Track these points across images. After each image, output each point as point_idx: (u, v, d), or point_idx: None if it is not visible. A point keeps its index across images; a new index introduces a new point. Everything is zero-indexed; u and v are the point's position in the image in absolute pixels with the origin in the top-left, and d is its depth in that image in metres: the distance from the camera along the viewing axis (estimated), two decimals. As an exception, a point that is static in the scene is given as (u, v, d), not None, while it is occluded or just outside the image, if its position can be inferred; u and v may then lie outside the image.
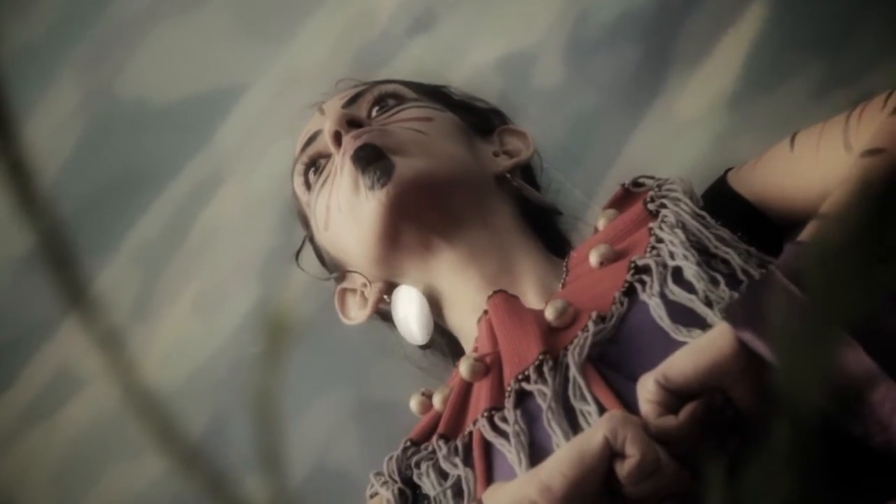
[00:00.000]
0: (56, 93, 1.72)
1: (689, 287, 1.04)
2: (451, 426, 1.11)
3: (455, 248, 1.24)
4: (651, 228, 1.13)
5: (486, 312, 1.14)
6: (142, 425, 0.46)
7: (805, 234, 0.99)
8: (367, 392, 1.57)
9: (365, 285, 1.30)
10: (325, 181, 1.29)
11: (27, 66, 1.72)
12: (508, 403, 1.05)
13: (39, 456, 1.63)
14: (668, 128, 1.59)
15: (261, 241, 1.63)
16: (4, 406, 1.64)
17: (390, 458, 1.13)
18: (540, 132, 1.42)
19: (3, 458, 1.64)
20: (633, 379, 0.93)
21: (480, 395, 1.09)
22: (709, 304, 1.01)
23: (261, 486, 0.48)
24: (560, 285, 1.19)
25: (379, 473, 1.13)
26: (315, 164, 1.32)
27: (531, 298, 1.19)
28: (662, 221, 1.13)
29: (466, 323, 1.22)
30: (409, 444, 1.13)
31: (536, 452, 1.00)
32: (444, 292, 1.25)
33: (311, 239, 1.37)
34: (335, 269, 1.34)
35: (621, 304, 1.06)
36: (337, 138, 1.26)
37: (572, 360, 1.02)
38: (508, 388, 1.06)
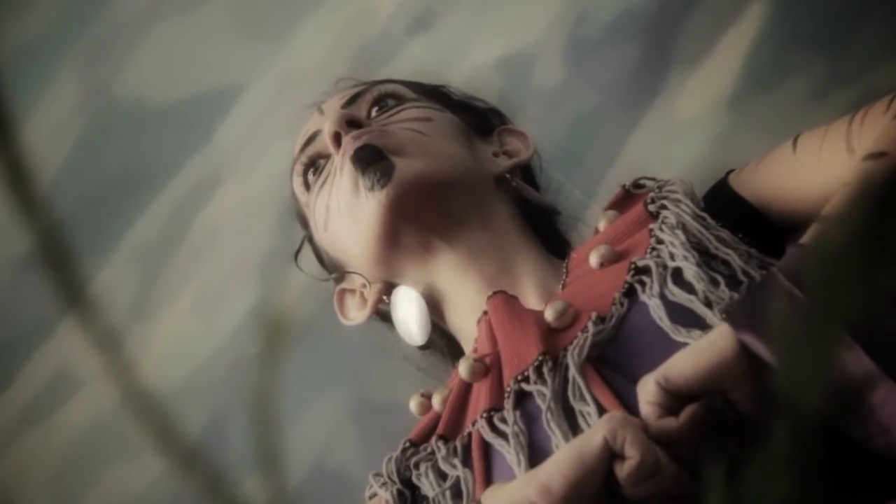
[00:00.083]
0: (55, 92, 1.72)
1: (689, 288, 1.04)
2: (451, 427, 1.10)
3: (455, 248, 1.23)
4: (651, 230, 1.13)
5: (485, 313, 1.14)
6: (140, 425, 0.46)
7: (807, 236, 0.99)
8: (366, 393, 1.57)
9: (364, 286, 1.30)
10: (324, 182, 1.29)
11: (26, 65, 1.72)
12: (508, 404, 1.05)
13: (38, 456, 1.62)
14: (668, 128, 1.59)
15: (260, 242, 1.63)
16: (3, 406, 1.64)
17: (389, 459, 1.13)
18: (539, 132, 1.42)
19: (1, 459, 1.64)
20: (633, 380, 0.93)
21: (480, 396, 1.09)
22: (709, 304, 1.01)
23: (260, 486, 0.48)
24: (560, 286, 1.19)
25: (378, 474, 1.13)
26: (314, 165, 1.32)
27: (531, 299, 1.19)
28: (663, 223, 1.12)
29: (466, 324, 1.22)
30: (408, 444, 1.13)
31: (536, 453, 0.99)
32: (443, 293, 1.25)
33: (311, 239, 1.37)
34: (334, 270, 1.34)
35: (621, 304, 1.06)
36: (336, 139, 1.26)
37: (572, 360, 1.02)
38: (508, 389, 1.06)
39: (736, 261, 1.06)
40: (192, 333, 1.64)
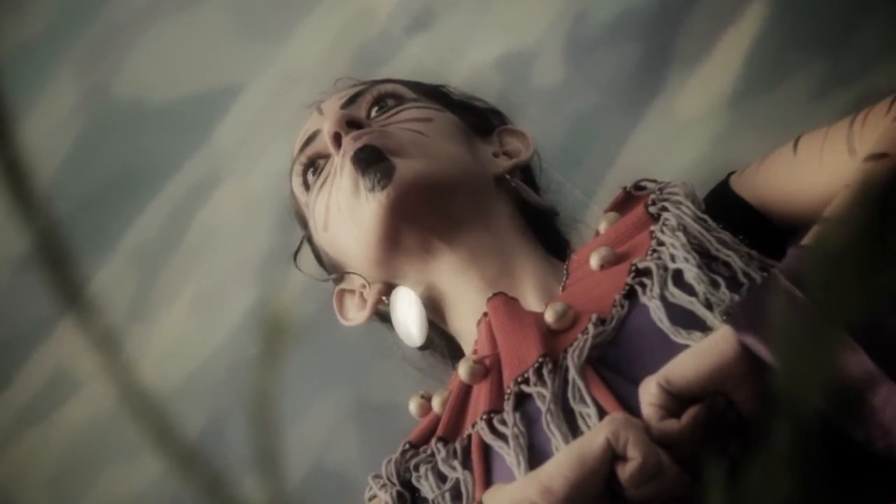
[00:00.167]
0: (53, 92, 1.72)
1: (689, 290, 1.03)
2: (450, 429, 1.10)
3: (455, 250, 1.23)
4: (652, 231, 1.13)
5: (485, 314, 1.14)
6: (139, 426, 0.46)
7: (808, 238, 0.99)
8: (365, 393, 1.57)
9: (364, 286, 1.30)
10: (324, 182, 1.29)
11: (24, 65, 1.71)
12: (507, 406, 1.05)
13: (37, 457, 1.62)
14: (668, 128, 1.59)
15: (259, 242, 1.63)
16: (2, 407, 1.64)
17: (389, 461, 1.13)
18: (539, 132, 1.42)
19: (0, 459, 1.64)
20: (633, 381, 0.93)
21: (479, 398, 1.09)
22: (709, 306, 1.01)
23: (259, 487, 0.47)
24: (560, 288, 1.19)
25: (377, 476, 1.13)
26: (314, 165, 1.32)
27: (531, 301, 1.19)
28: (664, 225, 1.12)
29: (466, 325, 1.22)
30: (407, 446, 1.13)
31: (535, 455, 0.99)
32: (443, 294, 1.25)
33: (310, 239, 1.36)
34: (334, 270, 1.34)
35: (621, 306, 1.06)
36: (336, 139, 1.26)
37: (572, 362, 1.02)
38: (508, 391, 1.06)
39: (737, 262, 1.06)
40: (191, 333, 1.63)
